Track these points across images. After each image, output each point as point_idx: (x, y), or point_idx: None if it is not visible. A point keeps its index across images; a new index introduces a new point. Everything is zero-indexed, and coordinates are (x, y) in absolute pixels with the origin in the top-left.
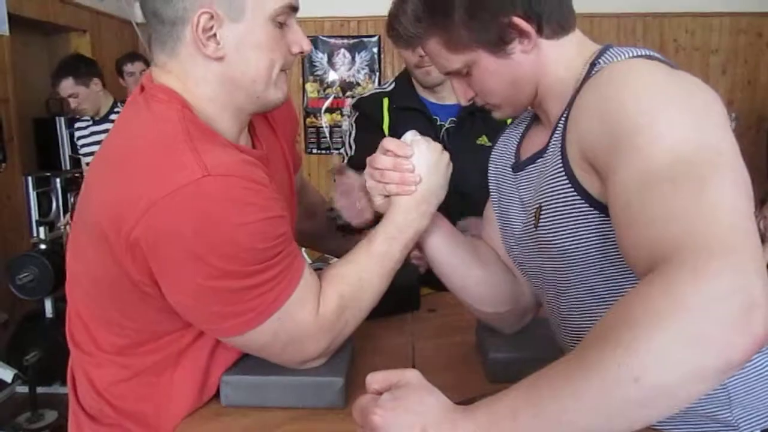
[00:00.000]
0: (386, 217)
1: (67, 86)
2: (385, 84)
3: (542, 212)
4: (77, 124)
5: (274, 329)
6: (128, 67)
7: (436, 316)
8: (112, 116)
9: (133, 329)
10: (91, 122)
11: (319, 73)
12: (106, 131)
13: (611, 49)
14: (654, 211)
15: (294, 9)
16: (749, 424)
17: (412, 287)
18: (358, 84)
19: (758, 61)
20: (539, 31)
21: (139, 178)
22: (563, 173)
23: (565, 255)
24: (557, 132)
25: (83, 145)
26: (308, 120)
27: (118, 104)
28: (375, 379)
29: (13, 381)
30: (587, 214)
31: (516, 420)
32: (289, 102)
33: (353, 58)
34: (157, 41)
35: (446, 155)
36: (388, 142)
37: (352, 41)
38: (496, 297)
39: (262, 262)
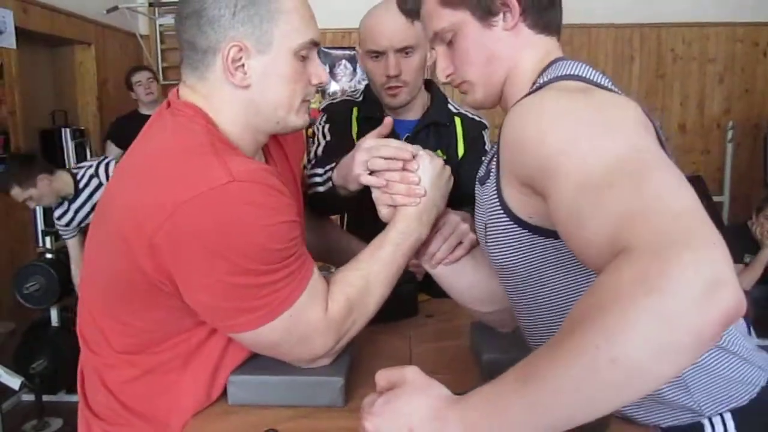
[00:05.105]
0: (390, 225)
1: (18, 195)
2: (354, 92)
3: (487, 230)
4: (57, 212)
5: (285, 326)
6: (135, 77)
7: (433, 322)
8: (83, 187)
9: (143, 329)
10: (67, 205)
11: None
12: (89, 204)
13: (551, 67)
14: (601, 212)
15: (316, 44)
16: (712, 407)
17: (411, 294)
18: None
19: (755, 69)
20: (523, 14)
21: (165, 183)
22: (496, 196)
23: (512, 273)
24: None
25: (80, 222)
26: (309, 131)
27: (78, 176)
28: (380, 377)
29: (20, 389)
30: (525, 237)
31: (506, 410)
32: None
33: (354, 69)
34: (189, 65)
35: (448, 169)
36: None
37: (353, 53)
38: (490, 298)
39: (277, 262)
